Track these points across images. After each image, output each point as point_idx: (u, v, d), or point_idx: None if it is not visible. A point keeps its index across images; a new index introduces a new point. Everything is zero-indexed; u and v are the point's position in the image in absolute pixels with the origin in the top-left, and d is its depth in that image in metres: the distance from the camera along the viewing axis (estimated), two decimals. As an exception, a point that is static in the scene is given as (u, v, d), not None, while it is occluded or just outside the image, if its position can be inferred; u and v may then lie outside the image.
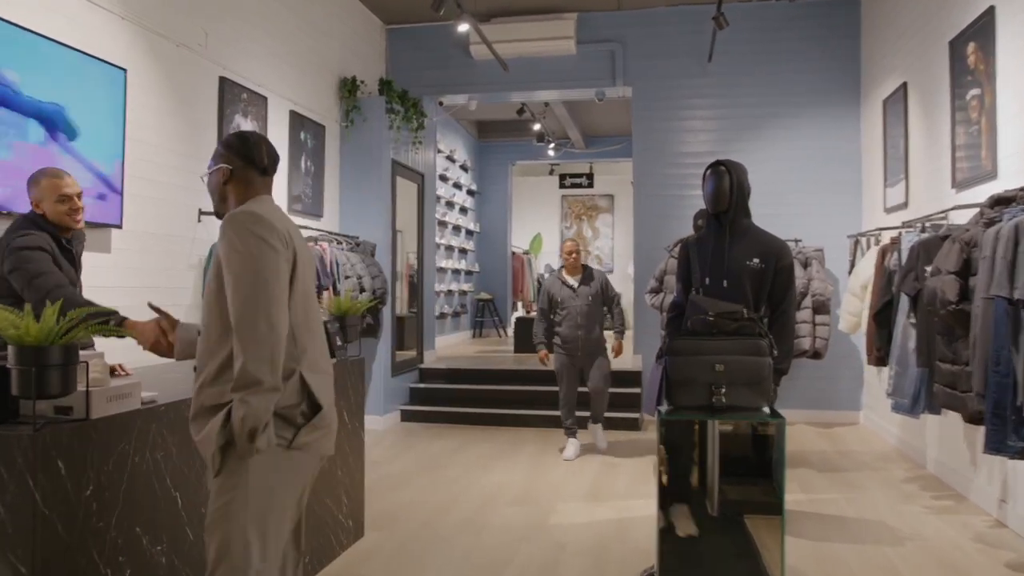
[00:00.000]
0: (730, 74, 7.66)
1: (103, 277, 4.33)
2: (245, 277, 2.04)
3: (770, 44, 7.59)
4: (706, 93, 7.74)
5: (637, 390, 7.43)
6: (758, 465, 3.82)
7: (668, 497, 3.22)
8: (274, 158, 2.34)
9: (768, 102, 7.60)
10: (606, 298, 6.07)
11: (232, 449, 2.03)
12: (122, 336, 2.45)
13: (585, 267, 6.11)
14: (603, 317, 6.05)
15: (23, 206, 3.22)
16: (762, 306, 3.42)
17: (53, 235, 2.98)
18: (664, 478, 3.21)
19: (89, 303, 2.71)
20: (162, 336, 2.50)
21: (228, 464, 2.07)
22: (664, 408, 3.11)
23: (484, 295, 13.33)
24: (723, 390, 2.83)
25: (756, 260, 3.39)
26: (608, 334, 6.16)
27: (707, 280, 3.44)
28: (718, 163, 3.45)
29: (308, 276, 2.26)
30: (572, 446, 6.02)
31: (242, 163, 2.27)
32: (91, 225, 4.17)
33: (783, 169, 7.50)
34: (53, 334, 2.07)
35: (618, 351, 6.05)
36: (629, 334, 7.75)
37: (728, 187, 3.39)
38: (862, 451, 6.20)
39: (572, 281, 6.02)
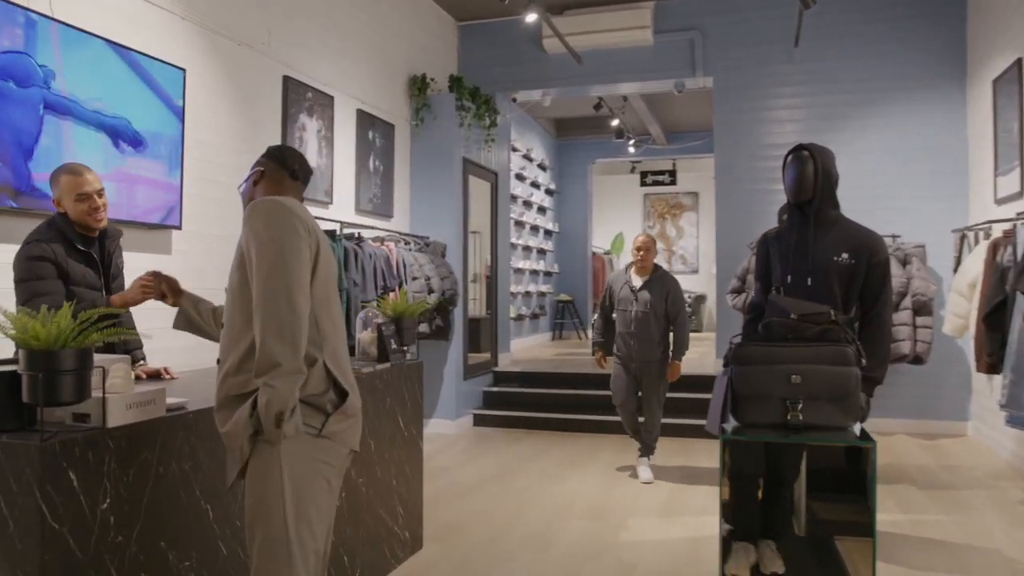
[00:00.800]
0: (819, 59, 7.16)
1: (164, 279, 4.30)
2: (267, 259, 2.03)
3: (863, 25, 7.05)
4: (793, 81, 7.26)
5: (720, 396, 7.02)
6: (851, 479, 3.43)
7: (744, 531, 2.88)
8: (306, 169, 2.38)
9: (861, 88, 7.06)
10: (669, 309, 5.23)
11: (261, 438, 2.03)
12: (117, 316, 2.39)
13: (656, 268, 5.35)
14: (666, 330, 5.26)
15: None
16: (852, 307, 3.04)
17: (69, 239, 2.88)
18: (730, 511, 2.86)
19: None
20: (147, 286, 2.80)
21: (258, 454, 2.06)
22: (729, 426, 2.74)
23: (564, 296, 13.07)
24: (800, 406, 2.45)
25: (845, 255, 3.01)
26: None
27: (789, 278, 3.09)
28: (800, 147, 3.09)
29: (329, 269, 2.22)
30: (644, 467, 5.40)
31: (275, 165, 2.32)
32: (150, 226, 4.15)
33: (879, 160, 6.96)
34: (63, 337, 1.95)
35: (673, 375, 5.26)
36: (711, 337, 7.32)
37: (812, 173, 3.03)
38: (971, 466, 5.64)
39: (636, 282, 5.28)
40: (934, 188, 6.85)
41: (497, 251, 8.44)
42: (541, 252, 12.47)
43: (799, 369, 2.52)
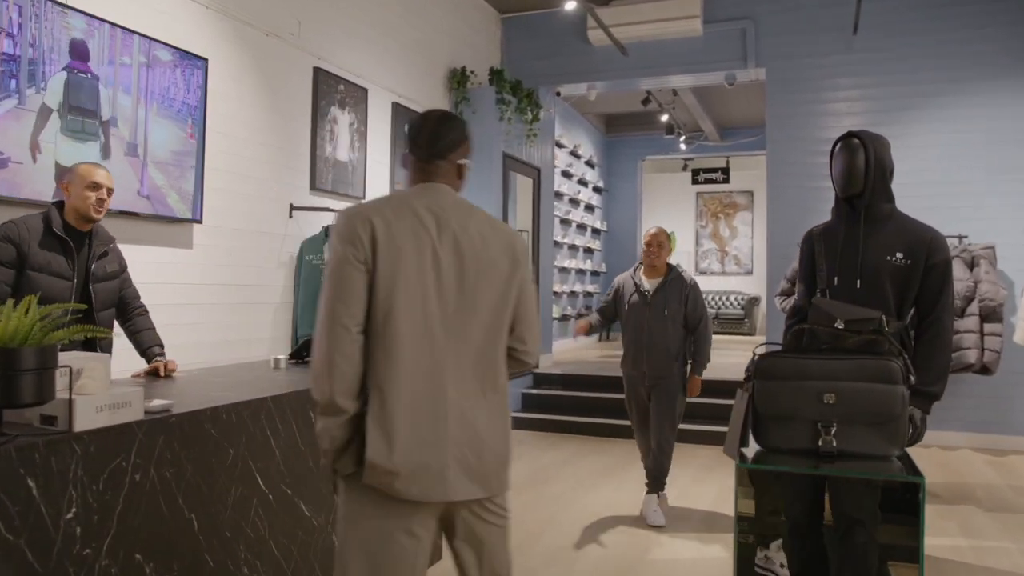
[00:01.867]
0: (880, 48, 6.74)
1: (185, 273, 4.20)
2: (324, 279, 1.84)
3: (928, 9, 6.61)
4: (851, 71, 6.85)
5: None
6: (901, 498, 3.11)
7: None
8: (439, 137, 1.92)
9: (927, 78, 6.62)
10: (688, 315, 4.43)
11: None
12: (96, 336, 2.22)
13: (671, 268, 4.53)
14: (684, 340, 4.46)
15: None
16: (907, 313, 2.72)
17: (49, 223, 2.85)
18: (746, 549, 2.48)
19: None
20: None
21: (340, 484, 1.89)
22: (750, 451, 2.37)
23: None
24: (834, 430, 2.10)
25: (900, 255, 2.68)
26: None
27: (836, 279, 2.78)
28: (850, 134, 2.79)
29: (412, 272, 1.78)
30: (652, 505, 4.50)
31: (407, 149, 1.96)
32: (170, 220, 4.05)
33: (945, 155, 6.51)
34: (22, 334, 1.81)
35: (693, 390, 4.48)
36: (759, 342, 6.95)
37: (863, 164, 2.72)
38: (1043, 487, 5.20)
39: (647, 284, 4.46)
40: (1006, 184, 6.38)
41: (539, 249, 8.22)
42: (588, 251, 12.19)
43: (834, 386, 2.16)
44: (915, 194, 6.33)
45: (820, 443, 2.17)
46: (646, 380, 4.43)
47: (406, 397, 1.76)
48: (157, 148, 3.91)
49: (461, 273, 1.83)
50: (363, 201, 1.82)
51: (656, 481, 4.49)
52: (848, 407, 2.18)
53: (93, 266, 2.95)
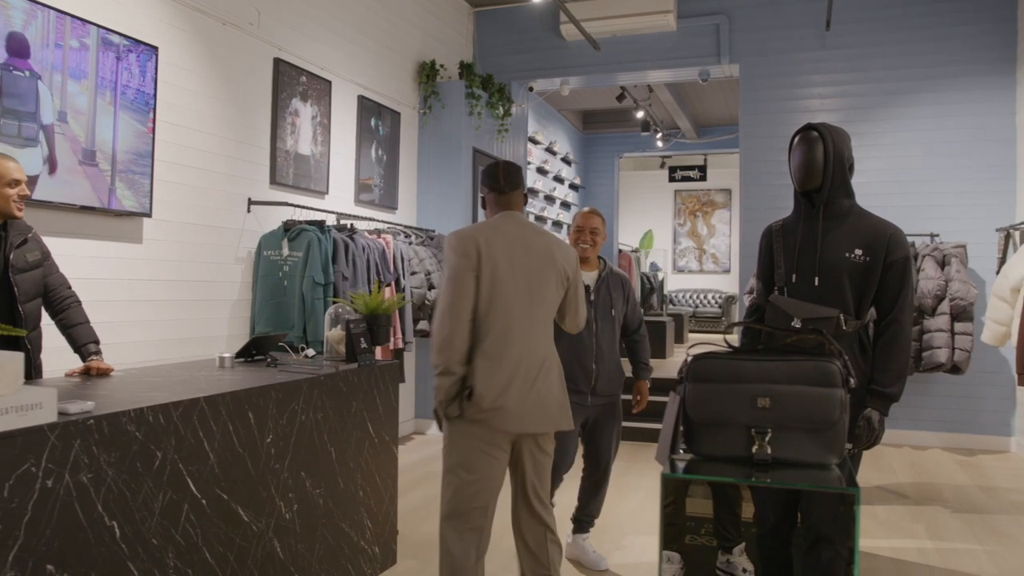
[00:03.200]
0: (853, 45, 6.69)
1: (134, 269, 4.06)
2: (443, 282, 2.58)
3: (901, 7, 6.57)
4: (825, 68, 6.80)
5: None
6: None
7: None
8: (511, 176, 2.71)
9: (899, 76, 6.58)
10: (630, 315, 3.67)
11: None
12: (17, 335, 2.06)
13: (603, 261, 3.63)
14: (619, 344, 3.67)
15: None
16: (866, 312, 2.64)
17: None
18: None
19: None
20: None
21: (445, 424, 2.65)
22: (682, 459, 2.21)
23: (588, 295, 12.65)
24: (768, 436, 1.96)
25: (859, 252, 2.61)
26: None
27: (794, 277, 2.71)
28: (809, 127, 2.71)
29: (504, 275, 2.54)
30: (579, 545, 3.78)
31: (486, 188, 2.73)
32: (118, 214, 3.91)
33: (918, 154, 6.48)
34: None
35: (642, 399, 3.74)
36: (735, 341, 6.87)
37: (822, 157, 2.64)
38: (1013, 488, 5.15)
39: (586, 279, 3.49)
40: (978, 183, 6.35)
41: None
42: (565, 249, 12.07)
43: (768, 389, 2.01)
44: (887, 191, 6.29)
45: (754, 450, 2.03)
46: (590, 400, 3.52)
47: (501, 359, 2.51)
48: (105, 138, 3.76)
49: (529, 274, 2.58)
50: (461, 229, 2.60)
51: (592, 518, 3.76)
52: (783, 412, 2.04)
53: (12, 256, 2.80)
